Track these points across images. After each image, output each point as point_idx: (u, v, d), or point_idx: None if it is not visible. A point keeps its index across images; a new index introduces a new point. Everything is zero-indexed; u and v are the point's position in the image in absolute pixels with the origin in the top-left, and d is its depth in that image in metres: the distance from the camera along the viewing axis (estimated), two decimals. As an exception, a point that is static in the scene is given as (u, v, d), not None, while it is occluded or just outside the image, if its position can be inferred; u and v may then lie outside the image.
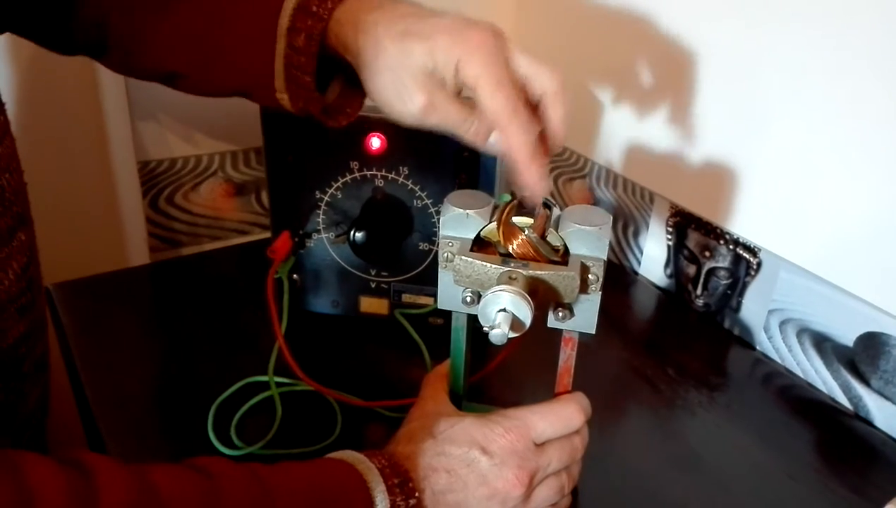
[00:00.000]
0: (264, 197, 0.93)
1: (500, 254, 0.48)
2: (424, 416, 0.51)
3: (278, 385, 0.64)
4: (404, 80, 0.47)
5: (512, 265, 0.46)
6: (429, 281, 0.71)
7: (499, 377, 0.67)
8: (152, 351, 0.71)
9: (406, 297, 0.72)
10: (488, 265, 0.46)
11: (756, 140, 0.73)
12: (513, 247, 0.47)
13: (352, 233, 0.68)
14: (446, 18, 0.48)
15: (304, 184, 0.68)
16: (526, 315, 0.44)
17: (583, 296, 0.47)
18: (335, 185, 0.68)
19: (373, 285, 0.72)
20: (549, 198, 0.51)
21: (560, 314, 0.48)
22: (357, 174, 0.67)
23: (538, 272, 0.45)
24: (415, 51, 0.47)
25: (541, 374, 0.67)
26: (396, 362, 0.70)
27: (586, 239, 0.47)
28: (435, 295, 0.72)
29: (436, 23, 0.48)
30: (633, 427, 0.65)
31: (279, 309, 0.64)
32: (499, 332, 0.43)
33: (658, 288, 0.87)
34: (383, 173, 0.67)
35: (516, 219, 0.48)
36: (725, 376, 0.74)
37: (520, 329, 0.44)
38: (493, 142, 0.49)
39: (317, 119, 0.56)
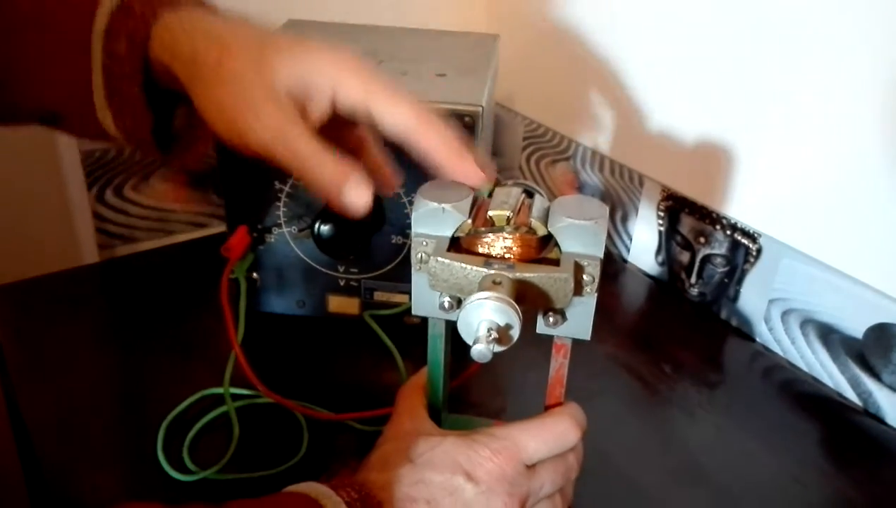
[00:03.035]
0: (223, 186, 0.86)
1: (482, 254, 0.41)
2: (401, 436, 0.45)
3: (236, 398, 0.58)
4: (255, 96, 0.40)
5: (496, 267, 0.40)
6: (403, 277, 0.65)
7: (481, 380, 0.61)
8: (96, 361, 0.65)
9: (378, 295, 0.66)
10: (468, 267, 0.40)
11: (755, 117, 0.67)
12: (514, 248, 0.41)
13: (316, 226, 0.62)
14: (311, 40, 0.42)
15: (260, 174, 0.62)
16: (514, 326, 0.38)
17: (576, 299, 0.42)
18: (296, 174, 0.61)
19: (341, 283, 0.66)
20: (532, 184, 0.46)
21: (551, 319, 0.42)
22: (320, 161, 0.60)
23: (526, 274, 0.39)
24: (279, 64, 0.40)
25: (527, 375, 0.62)
26: (370, 368, 0.64)
27: (581, 234, 0.41)
28: (410, 292, 0.66)
29: (301, 40, 0.41)
30: (628, 432, 0.60)
31: (235, 313, 0.58)
32: (482, 348, 0.37)
33: (649, 276, 0.82)
34: (349, 160, 0.60)
35: (493, 212, 0.42)
36: (724, 372, 0.69)
37: (507, 342, 0.38)
38: (349, 195, 0.41)
39: (152, 153, 0.46)
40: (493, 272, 0.39)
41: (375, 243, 0.63)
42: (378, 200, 0.62)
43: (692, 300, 0.77)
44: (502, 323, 0.38)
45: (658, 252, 0.80)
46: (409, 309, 0.66)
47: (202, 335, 0.66)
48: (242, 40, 0.41)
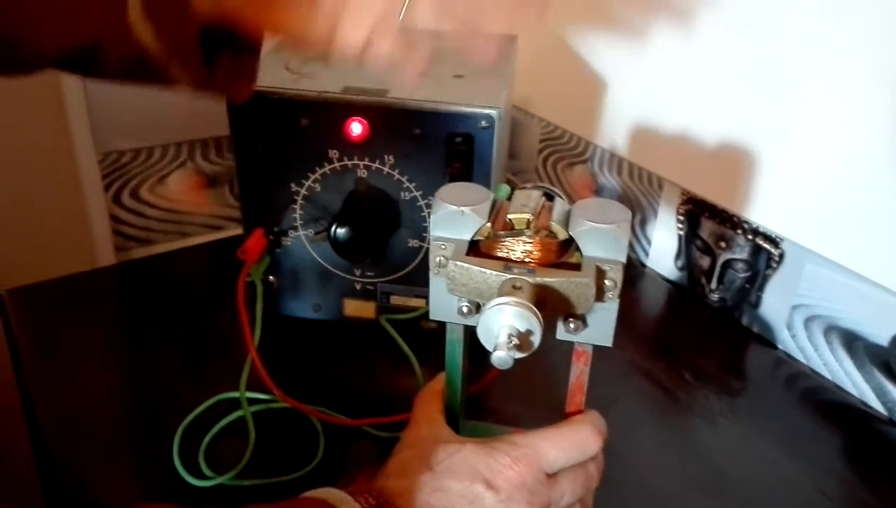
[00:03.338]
0: (240, 188, 0.85)
1: (501, 258, 0.41)
2: (419, 443, 0.44)
3: (252, 402, 0.58)
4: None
5: (516, 272, 0.39)
6: (419, 281, 0.64)
7: (499, 386, 0.61)
8: (112, 365, 0.64)
9: (395, 299, 0.65)
10: (488, 272, 0.39)
11: (778, 118, 0.66)
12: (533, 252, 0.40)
13: (333, 229, 0.61)
14: None
15: (277, 176, 0.61)
16: (535, 332, 0.37)
17: (598, 305, 0.41)
18: (313, 177, 0.61)
19: (358, 286, 0.65)
20: (551, 187, 0.45)
21: (572, 325, 0.41)
22: (337, 164, 0.60)
23: (547, 279, 0.39)
24: None
25: (545, 382, 0.61)
26: (387, 373, 0.64)
27: (602, 239, 0.40)
28: (427, 296, 0.65)
29: None
30: (649, 441, 0.59)
31: (252, 316, 0.57)
32: (502, 355, 0.36)
33: (668, 281, 0.81)
34: (366, 162, 0.60)
35: (513, 216, 0.41)
36: (746, 379, 0.67)
37: (528, 348, 0.37)
38: None
39: (195, 68, 0.44)
40: (512, 276, 0.39)
41: (392, 246, 0.63)
42: (394, 203, 0.61)
43: (712, 306, 0.76)
44: (523, 329, 0.37)
45: (678, 256, 0.79)
46: (427, 313, 0.65)
47: (218, 338, 0.66)
48: None
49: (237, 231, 0.85)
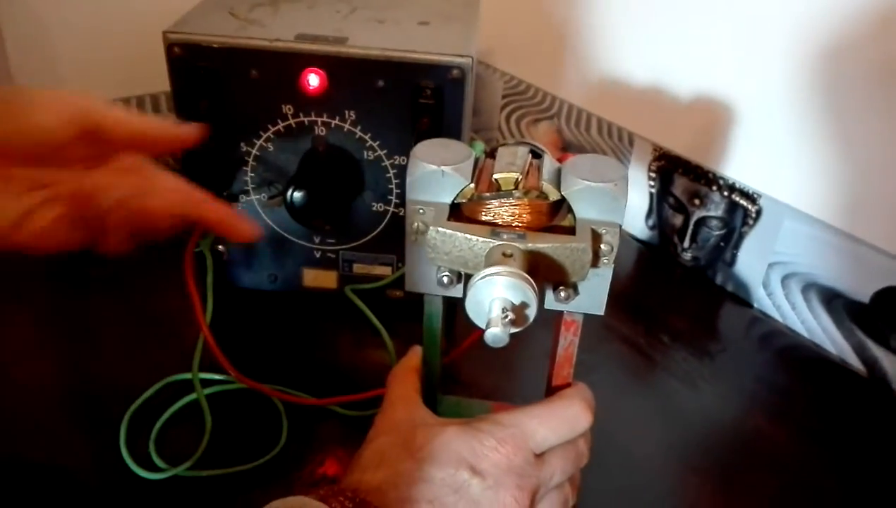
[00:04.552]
0: (182, 150, 0.79)
1: (487, 222, 0.37)
2: (395, 427, 0.40)
3: (206, 384, 0.53)
4: None
5: (505, 237, 0.35)
6: (384, 247, 0.60)
7: (470, 357, 0.57)
8: (47, 346, 0.59)
9: (358, 268, 0.61)
10: (474, 238, 0.35)
11: (755, 69, 0.63)
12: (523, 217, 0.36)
13: (289, 193, 0.56)
14: None
15: (225, 136, 0.55)
16: (530, 305, 0.33)
17: (591, 271, 0.37)
18: (265, 136, 0.55)
19: (317, 254, 0.61)
20: (537, 144, 0.41)
21: (563, 294, 0.38)
22: (292, 121, 0.55)
23: (540, 245, 0.35)
24: None
25: (519, 350, 0.58)
26: (351, 346, 0.60)
27: (598, 198, 0.36)
28: (392, 264, 0.61)
29: None
30: (627, 405, 0.57)
31: (202, 291, 0.52)
32: (498, 331, 0.32)
33: (639, 240, 0.78)
34: (325, 119, 0.55)
35: (499, 175, 0.37)
36: (721, 339, 0.66)
37: (523, 323, 0.34)
38: None
39: None
40: (502, 243, 0.35)
41: (354, 211, 0.58)
42: (356, 163, 0.56)
43: (685, 264, 0.74)
44: (517, 302, 0.33)
45: (648, 215, 0.76)
46: (393, 282, 0.61)
47: (166, 315, 0.61)
48: None
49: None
